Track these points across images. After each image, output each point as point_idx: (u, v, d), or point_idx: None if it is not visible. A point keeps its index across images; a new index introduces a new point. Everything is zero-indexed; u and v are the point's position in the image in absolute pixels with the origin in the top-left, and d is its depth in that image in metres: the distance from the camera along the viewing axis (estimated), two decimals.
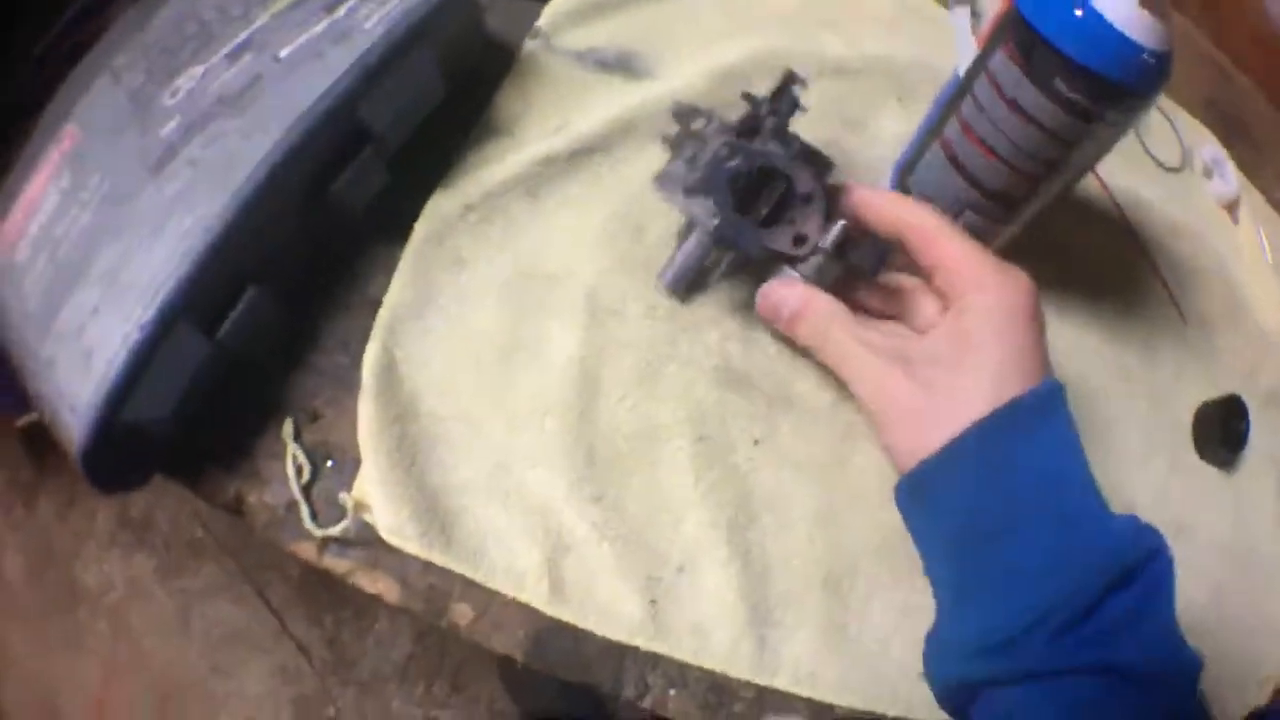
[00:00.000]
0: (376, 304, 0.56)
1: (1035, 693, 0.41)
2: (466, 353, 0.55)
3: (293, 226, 0.54)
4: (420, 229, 0.57)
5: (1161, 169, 0.73)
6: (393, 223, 0.58)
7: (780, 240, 0.52)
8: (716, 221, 0.51)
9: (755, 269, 0.55)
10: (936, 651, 0.46)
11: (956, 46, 0.73)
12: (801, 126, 0.55)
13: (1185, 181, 0.73)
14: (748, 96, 0.54)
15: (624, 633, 0.50)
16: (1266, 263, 0.72)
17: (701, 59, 0.66)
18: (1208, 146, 0.76)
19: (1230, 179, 0.74)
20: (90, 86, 0.56)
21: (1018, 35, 0.48)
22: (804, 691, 0.51)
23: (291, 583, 1.30)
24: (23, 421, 1.29)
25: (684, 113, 0.55)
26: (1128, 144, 0.71)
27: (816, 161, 0.53)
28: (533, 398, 0.54)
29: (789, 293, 0.51)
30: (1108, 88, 0.47)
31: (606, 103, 0.63)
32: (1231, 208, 0.74)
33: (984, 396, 0.44)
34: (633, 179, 0.61)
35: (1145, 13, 0.45)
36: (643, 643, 0.50)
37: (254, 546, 1.30)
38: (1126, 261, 0.67)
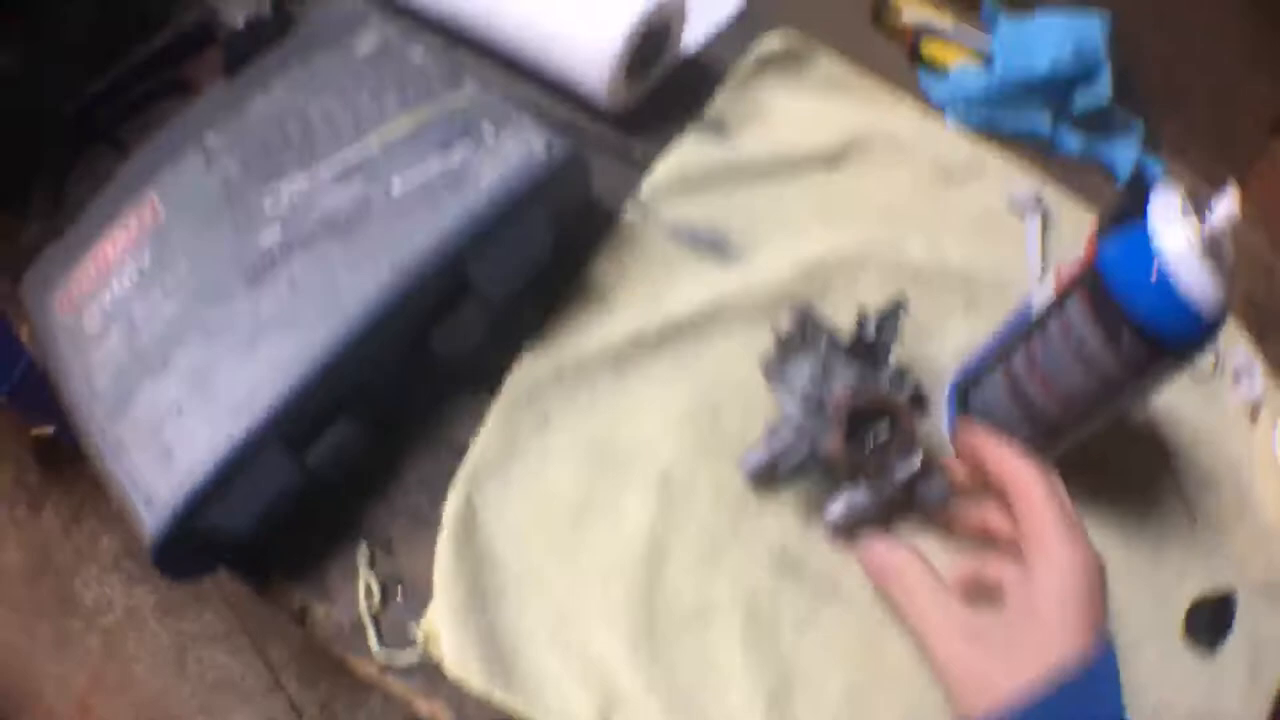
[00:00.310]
0: (459, 448, 0.59)
1: None
2: (544, 510, 0.58)
3: (389, 365, 0.57)
4: (511, 386, 0.61)
5: (1193, 377, 0.77)
6: (481, 370, 0.61)
7: (870, 465, 0.58)
8: (827, 444, 0.57)
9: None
10: None
11: (1027, 257, 0.77)
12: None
13: (1214, 387, 0.77)
14: (860, 317, 0.59)
15: None
16: (1276, 462, 0.76)
17: (790, 249, 0.70)
18: (1240, 350, 0.79)
19: (1257, 384, 0.78)
20: (178, 158, 0.59)
21: (1094, 289, 0.52)
22: None
23: (292, 645, 1.31)
24: (37, 432, 1.30)
25: (801, 316, 0.59)
26: None
27: (919, 402, 0.59)
28: (602, 561, 0.58)
29: (889, 556, 0.58)
30: (1171, 350, 0.51)
31: (697, 283, 0.67)
32: (1255, 409, 0.78)
33: (1045, 664, 0.49)
34: (716, 364, 0.65)
35: (1213, 281, 0.49)
36: None
37: (257, 605, 1.31)
38: (1151, 469, 0.71)
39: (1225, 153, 0.93)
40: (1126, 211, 0.55)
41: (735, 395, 0.64)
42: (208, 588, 1.35)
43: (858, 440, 0.57)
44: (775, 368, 0.60)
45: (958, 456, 0.61)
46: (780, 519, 0.61)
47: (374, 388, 0.57)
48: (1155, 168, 0.90)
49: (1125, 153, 0.87)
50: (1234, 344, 0.79)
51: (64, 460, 1.35)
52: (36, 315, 0.58)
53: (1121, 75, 0.88)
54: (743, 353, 0.65)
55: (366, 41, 0.64)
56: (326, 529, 0.57)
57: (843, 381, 0.58)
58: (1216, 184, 0.90)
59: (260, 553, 0.56)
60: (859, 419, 0.57)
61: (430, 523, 0.57)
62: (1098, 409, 0.57)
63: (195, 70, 0.71)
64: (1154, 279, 0.49)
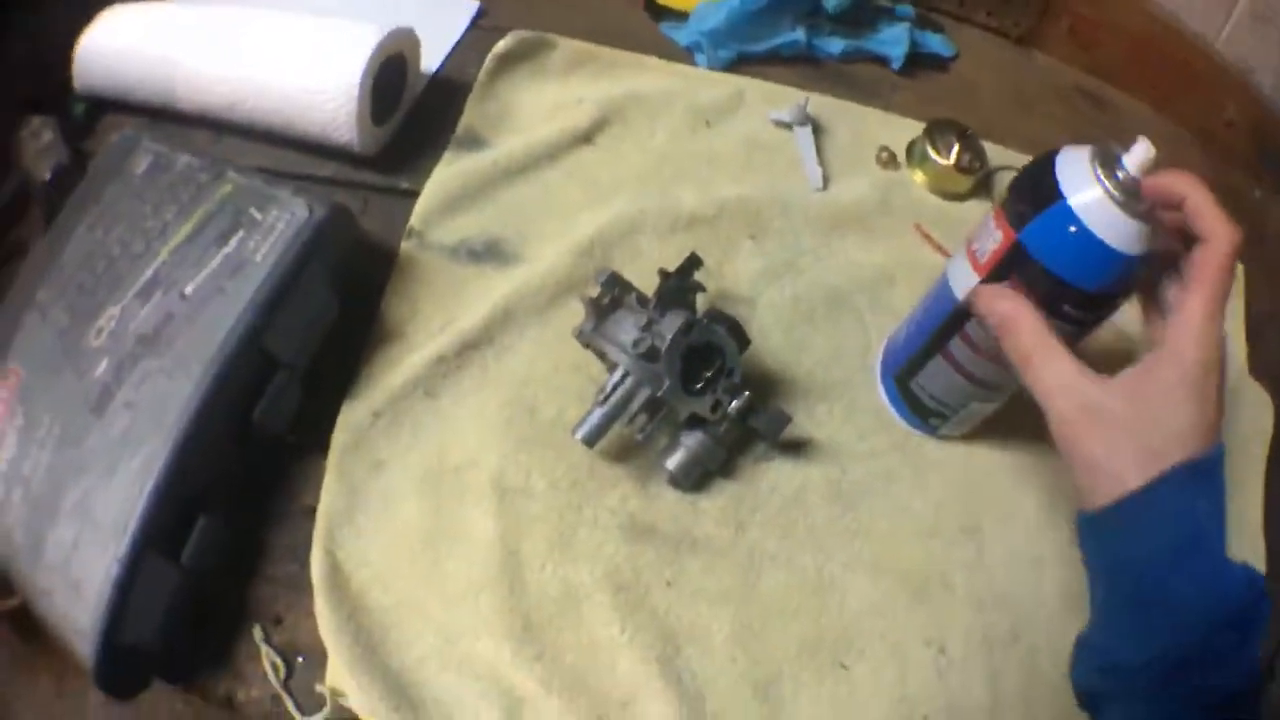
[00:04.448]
0: (313, 511, 0.61)
1: (1141, 713, 0.49)
2: (398, 546, 0.61)
3: (227, 453, 0.59)
4: (337, 439, 0.63)
5: None
6: (312, 433, 0.63)
7: (703, 406, 0.61)
8: (665, 386, 0.59)
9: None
10: (1078, 658, 0.53)
11: (805, 167, 0.80)
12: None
13: None
14: (662, 273, 0.63)
15: None
16: None
17: (563, 236, 0.72)
18: None
19: None
20: (21, 323, 0.61)
21: (1025, 268, 0.53)
22: None
23: None
24: (4, 606, 1.31)
25: (610, 279, 0.63)
26: None
27: (740, 339, 0.62)
28: (464, 578, 0.60)
29: (1001, 303, 0.54)
30: (1108, 300, 0.54)
31: (483, 295, 0.69)
32: None
33: (1162, 458, 0.49)
34: (517, 366, 0.67)
35: (1135, 224, 0.50)
36: None
37: None
38: None
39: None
40: (1030, 181, 0.55)
41: (543, 387, 0.66)
42: (181, 709, 1.38)
43: (691, 381, 0.61)
44: (594, 332, 0.63)
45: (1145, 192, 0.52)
46: (619, 489, 0.64)
47: (222, 476, 0.59)
48: (934, 41, 0.92)
49: (895, 40, 0.89)
50: None
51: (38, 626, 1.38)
52: None
53: None
54: (539, 347, 0.68)
55: (141, 163, 0.66)
56: (222, 619, 0.60)
57: (670, 326, 0.60)
58: (1013, 36, 0.97)
59: (177, 656, 0.58)
60: (690, 361, 0.60)
61: (305, 587, 0.59)
62: None
63: (23, 232, 0.74)
64: (1084, 245, 0.51)
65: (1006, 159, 0.85)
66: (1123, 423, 0.50)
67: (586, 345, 0.64)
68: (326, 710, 0.57)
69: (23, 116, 0.74)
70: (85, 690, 1.42)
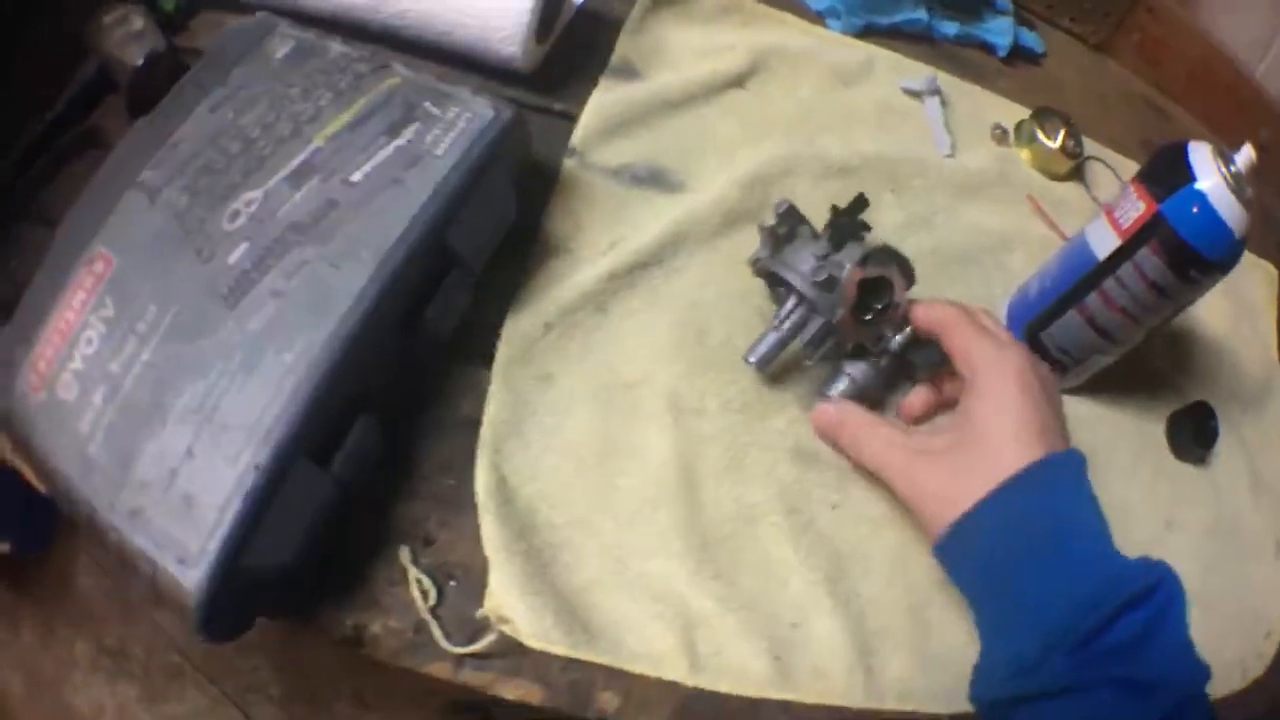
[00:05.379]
0: (469, 423, 0.59)
1: (1056, 707, 0.50)
2: (569, 462, 0.60)
3: (390, 353, 0.56)
4: (504, 349, 0.62)
5: None
6: (469, 341, 0.62)
7: (869, 337, 0.63)
8: (839, 314, 0.61)
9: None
10: (977, 680, 0.54)
11: (933, 134, 0.84)
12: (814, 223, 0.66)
13: None
14: (834, 209, 0.64)
15: (757, 688, 0.56)
16: None
17: (726, 169, 0.74)
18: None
19: None
20: (117, 206, 0.55)
21: (1161, 235, 0.63)
22: (908, 707, 0.58)
23: (275, 702, 1.29)
24: None
25: (788, 212, 0.64)
26: None
27: (908, 276, 0.64)
28: (640, 496, 0.60)
29: (828, 414, 0.64)
30: (1218, 268, 0.63)
31: (650, 217, 0.70)
32: None
33: (997, 467, 0.54)
34: (686, 289, 0.68)
35: (1244, 210, 0.61)
36: (774, 693, 0.56)
37: (233, 671, 1.29)
38: None
39: (1097, 10, 1.02)
40: (1165, 163, 0.64)
41: (712, 311, 0.67)
42: (179, 662, 1.32)
43: (861, 313, 0.62)
44: (770, 259, 0.64)
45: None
46: (786, 413, 0.65)
47: (380, 379, 0.55)
48: (1029, 37, 0.98)
49: (1001, 30, 0.95)
50: None
51: (26, 573, 1.32)
52: (6, 403, 0.53)
53: None
54: (708, 272, 0.68)
55: (281, 47, 0.62)
56: (360, 540, 0.55)
57: (848, 257, 0.62)
58: (1091, 43, 1.05)
59: (301, 584, 0.53)
60: (863, 292, 0.61)
61: (461, 504, 0.57)
62: (1161, 321, 0.68)
63: (100, 121, 0.69)
64: (1208, 219, 0.61)
65: (1096, 151, 0.90)
66: (952, 453, 0.57)
67: (760, 273, 0.65)
68: (489, 638, 0.53)
69: (103, 5, 0.70)
70: (74, 640, 1.35)
